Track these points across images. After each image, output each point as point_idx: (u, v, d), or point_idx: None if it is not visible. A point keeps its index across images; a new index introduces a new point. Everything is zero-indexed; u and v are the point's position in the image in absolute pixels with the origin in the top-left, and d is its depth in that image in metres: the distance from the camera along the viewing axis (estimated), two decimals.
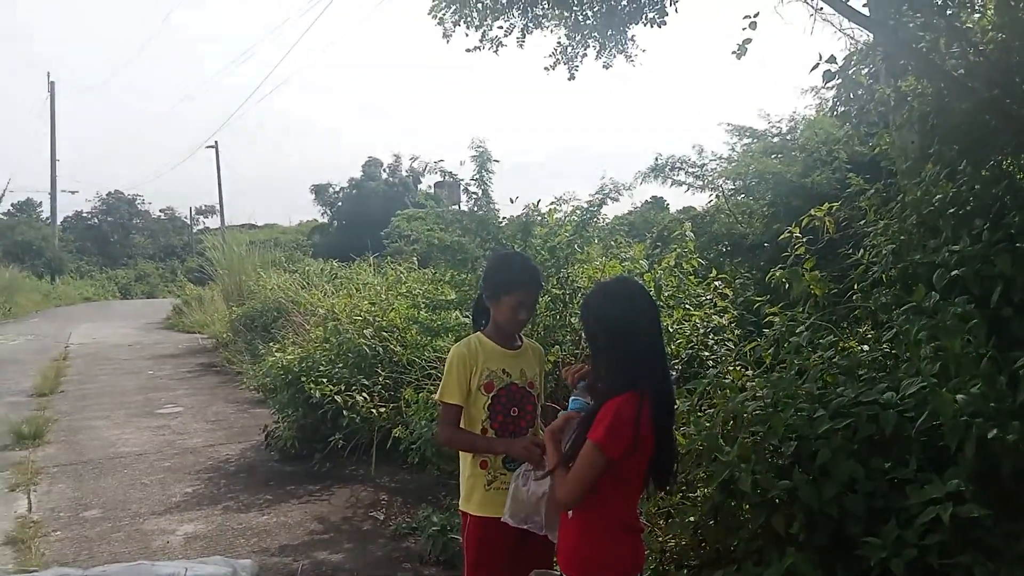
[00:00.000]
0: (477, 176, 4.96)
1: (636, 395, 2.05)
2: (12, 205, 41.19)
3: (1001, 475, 2.34)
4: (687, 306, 5.40)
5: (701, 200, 8.28)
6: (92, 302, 29.79)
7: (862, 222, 4.45)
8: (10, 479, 5.85)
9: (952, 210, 3.56)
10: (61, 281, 31.08)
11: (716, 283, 5.35)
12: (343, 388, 6.03)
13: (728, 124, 7.75)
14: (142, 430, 7.60)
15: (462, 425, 2.69)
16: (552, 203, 5.45)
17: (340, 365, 6.39)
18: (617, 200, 5.08)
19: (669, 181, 7.25)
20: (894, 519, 2.31)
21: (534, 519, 2.51)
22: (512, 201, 5.16)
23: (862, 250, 4.08)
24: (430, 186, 31.07)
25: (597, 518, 2.15)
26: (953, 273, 3.28)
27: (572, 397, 2.30)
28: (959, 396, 2.23)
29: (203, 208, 46.98)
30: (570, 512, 2.24)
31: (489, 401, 2.64)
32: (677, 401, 3.34)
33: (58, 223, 38.43)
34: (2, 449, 6.77)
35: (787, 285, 4.21)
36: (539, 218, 5.07)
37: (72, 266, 35.40)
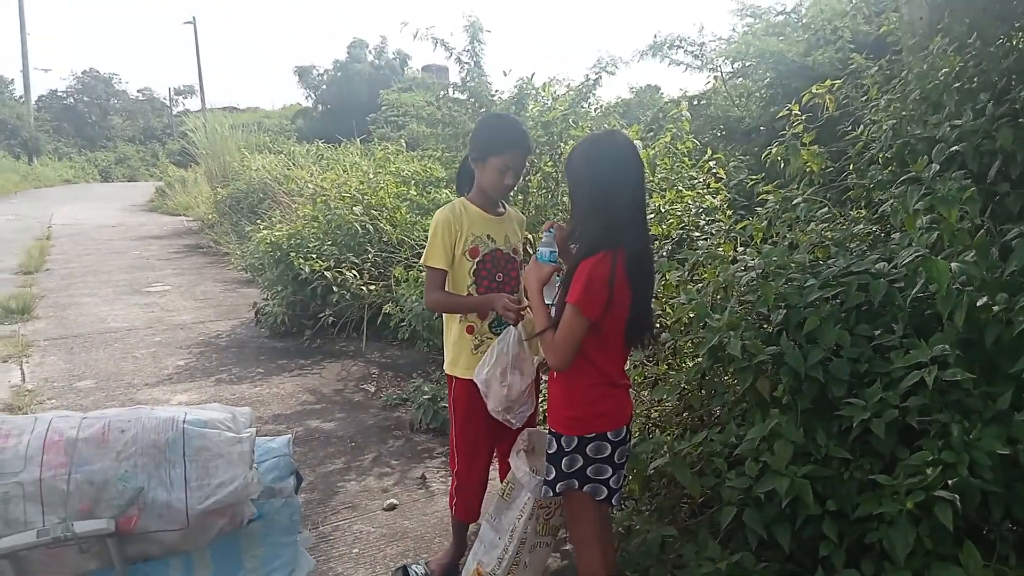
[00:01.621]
0: (469, 47, 4.77)
1: (609, 254, 2.04)
2: None
3: (984, 343, 2.39)
4: (680, 188, 5.35)
5: (698, 84, 8.09)
6: (72, 184, 29.25)
7: (864, 98, 4.36)
8: (2, 351, 5.89)
9: (957, 85, 3.48)
10: (39, 162, 30.41)
11: (710, 164, 5.28)
12: (333, 265, 6.03)
13: (739, 2, 7.45)
14: (131, 307, 7.62)
15: (448, 288, 2.70)
16: (548, 80, 5.28)
17: (329, 243, 6.36)
18: (614, 74, 4.93)
19: (667, 60, 7.01)
20: (879, 382, 2.36)
21: (518, 411, 2.57)
22: (505, 74, 5.04)
23: (861, 126, 4.01)
24: (418, 70, 30.14)
25: (581, 375, 2.19)
26: (953, 148, 3.25)
27: (540, 244, 2.27)
28: (953, 265, 2.24)
29: (182, 88, 45.68)
30: (555, 371, 2.27)
31: (474, 266, 2.64)
32: (668, 274, 3.37)
33: (32, 102, 37.21)
34: None
35: (782, 164, 4.18)
36: (533, 92, 4.92)
37: (50, 147, 34.57)
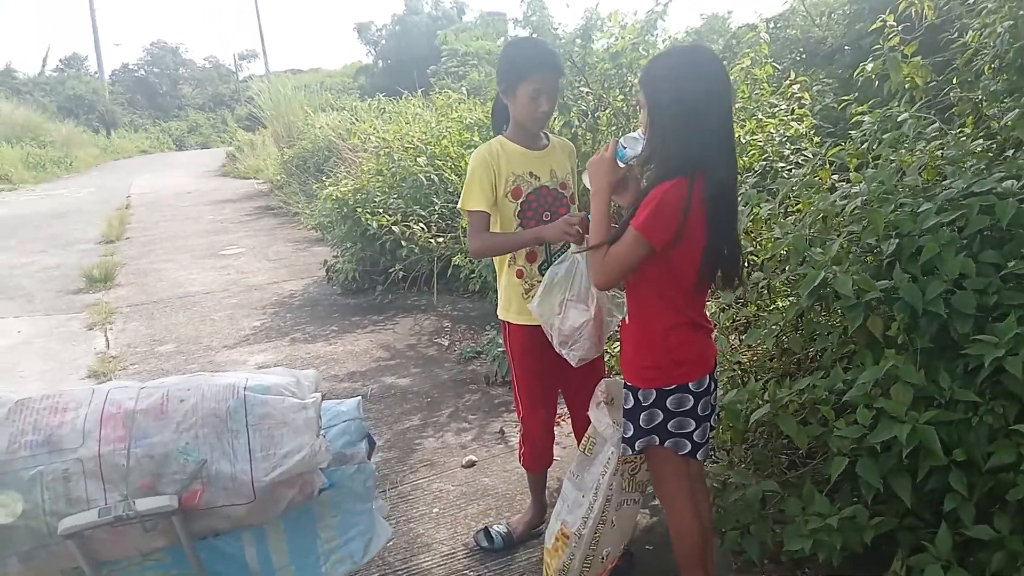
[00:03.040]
0: None
1: (686, 180, 1.81)
2: (60, 60, 41.07)
3: None
4: (759, 116, 4.98)
5: (774, 7, 7.54)
6: (148, 154, 30.11)
7: (971, 1, 3.89)
8: (87, 319, 6.03)
9: None
10: (116, 135, 31.34)
11: (793, 88, 4.88)
12: (400, 219, 5.91)
13: None
14: (207, 271, 7.72)
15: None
16: (614, 10, 4.94)
17: (395, 196, 6.24)
18: None
19: None
20: (1012, 316, 2.07)
21: (572, 347, 2.35)
22: (568, 5, 4.68)
23: (970, 32, 3.57)
24: (475, 17, 29.59)
25: (657, 317, 1.99)
26: None
27: (623, 138, 2.02)
28: None
29: (246, 53, 46.18)
30: (627, 317, 2.07)
31: (518, 208, 2.44)
32: (757, 207, 3.09)
33: (106, 77, 38.32)
34: (77, 292, 6.97)
35: (877, 82, 3.78)
36: (599, 22, 4.61)
37: (125, 119, 35.55)
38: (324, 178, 8.84)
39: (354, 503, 1.94)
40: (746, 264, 2.89)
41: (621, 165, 2.03)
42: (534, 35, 4.65)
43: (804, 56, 6.90)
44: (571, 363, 2.35)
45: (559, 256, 2.37)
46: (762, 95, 5.20)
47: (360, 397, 2.17)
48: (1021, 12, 3.31)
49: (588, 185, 2.08)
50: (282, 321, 5.77)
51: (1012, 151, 2.93)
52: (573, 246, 2.29)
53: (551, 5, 4.91)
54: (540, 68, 2.32)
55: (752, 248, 3.04)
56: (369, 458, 2.05)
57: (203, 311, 6.18)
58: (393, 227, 5.79)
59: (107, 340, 5.52)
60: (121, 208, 12.73)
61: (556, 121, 4.74)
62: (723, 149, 1.89)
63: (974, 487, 2.07)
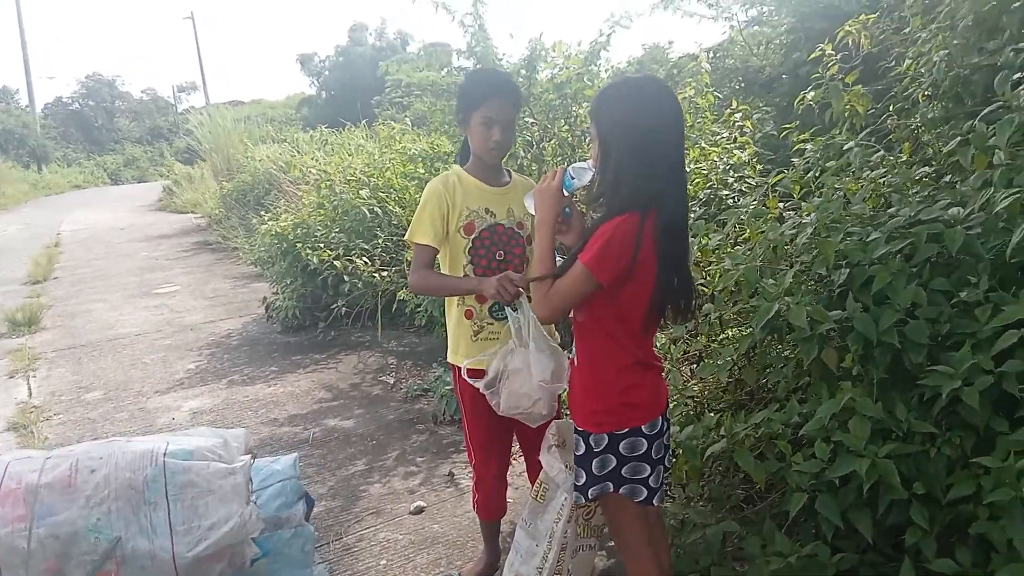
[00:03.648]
0: (472, 8, 4.43)
1: (637, 216, 1.74)
2: None
3: None
4: (703, 144, 5.00)
5: (713, 36, 7.69)
6: (82, 189, 29.22)
7: (905, 32, 3.97)
8: (8, 366, 5.69)
9: (1018, 3, 3.10)
10: (48, 170, 30.35)
11: (735, 116, 4.91)
12: (342, 253, 5.74)
13: None
14: (139, 310, 7.40)
15: (445, 272, 2.41)
16: (557, 41, 4.92)
17: (337, 230, 6.08)
18: (628, 28, 4.56)
19: (680, 12, 6.60)
20: (968, 345, 2.04)
21: (525, 411, 2.27)
22: (512, 36, 4.65)
23: (908, 61, 3.63)
24: (420, 48, 29.69)
25: (607, 358, 1.90)
26: (1018, 75, 2.88)
27: (570, 168, 1.95)
28: None
29: (185, 85, 45.50)
30: (576, 359, 1.98)
31: (470, 244, 2.34)
32: (705, 238, 3.05)
33: (38, 110, 37.14)
34: None
35: (817, 110, 3.81)
36: (543, 53, 4.57)
37: (58, 154, 34.54)
38: (264, 212, 8.60)
39: (292, 570, 1.78)
40: (697, 296, 2.84)
41: (567, 194, 1.95)
42: (478, 66, 4.59)
43: (743, 85, 7.01)
44: (530, 425, 2.29)
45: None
46: (704, 124, 5.23)
47: (296, 454, 2.02)
48: (955, 42, 3.38)
49: (531, 211, 2.00)
50: (219, 363, 5.52)
51: (949, 176, 2.96)
52: (508, 309, 2.21)
53: (495, 35, 4.87)
54: (491, 96, 2.24)
55: (702, 279, 2.99)
56: (307, 519, 1.90)
57: (134, 354, 5.89)
58: (335, 262, 5.62)
59: (29, 388, 5.19)
60: (50, 246, 12.23)
61: None
62: (676, 182, 1.83)
63: (934, 520, 2.03)
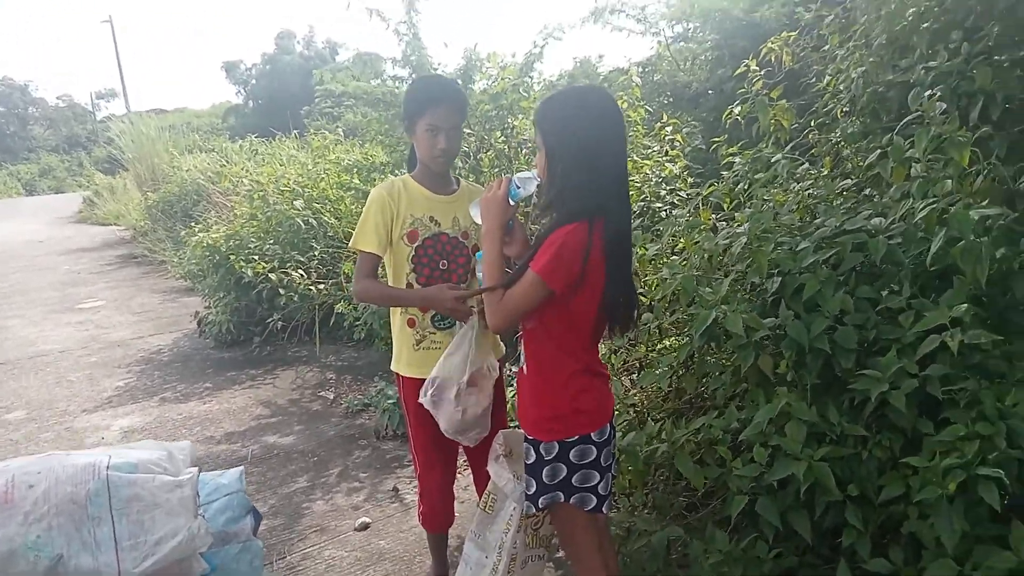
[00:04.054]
0: (406, 17, 4.43)
1: (586, 223, 1.78)
2: None
3: (995, 299, 2.21)
4: (635, 157, 5.11)
5: (642, 51, 7.89)
6: None
7: (824, 49, 4.16)
8: None
9: (926, 24, 3.29)
10: None
11: (666, 130, 5.04)
12: (277, 266, 5.64)
13: None
14: (62, 326, 7.11)
15: (389, 280, 2.41)
16: (491, 52, 4.97)
17: (271, 242, 5.97)
18: (561, 39, 4.64)
19: (609, 27, 6.76)
20: (892, 350, 2.15)
21: (469, 434, 2.31)
22: (446, 45, 4.66)
23: (828, 77, 3.81)
24: (349, 57, 29.41)
25: (556, 366, 1.93)
26: (928, 92, 3.05)
27: (515, 176, 1.99)
28: (972, 213, 2.02)
29: (104, 92, 43.88)
30: (525, 367, 2.01)
31: (412, 252, 2.34)
32: (643, 248, 3.12)
33: None
34: None
35: (743, 124, 3.95)
36: (479, 63, 4.61)
37: None
38: (193, 223, 8.38)
39: None
40: (638, 305, 2.91)
41: (512, 204, 1.98)
42: (413, 75, 4.59)
43: (671, 100, 7.20)
44: (469, 446, 2.31)
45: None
46: (636, 137, 5.35)
47: (242, 468, 1.98)
48: (871, 59, 3.56)
49: (476, 220, 2.02)
50: (149, 380, 5.35)
51: (869, 189, 3.11)
52: (462, 324, 2.25)
53: (429, 45, 4.88)
54: (437, 103, 2.24)
55: (640, 289, 3.06)
56: (255, 534, 1.87)
57: (58, 372, 5.65)
58: (270, 274, 5.51)
59: None
60: None
61: None
62: (621, 191, 1.88)
63: (868, 521, 2.12)
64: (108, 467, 1.57)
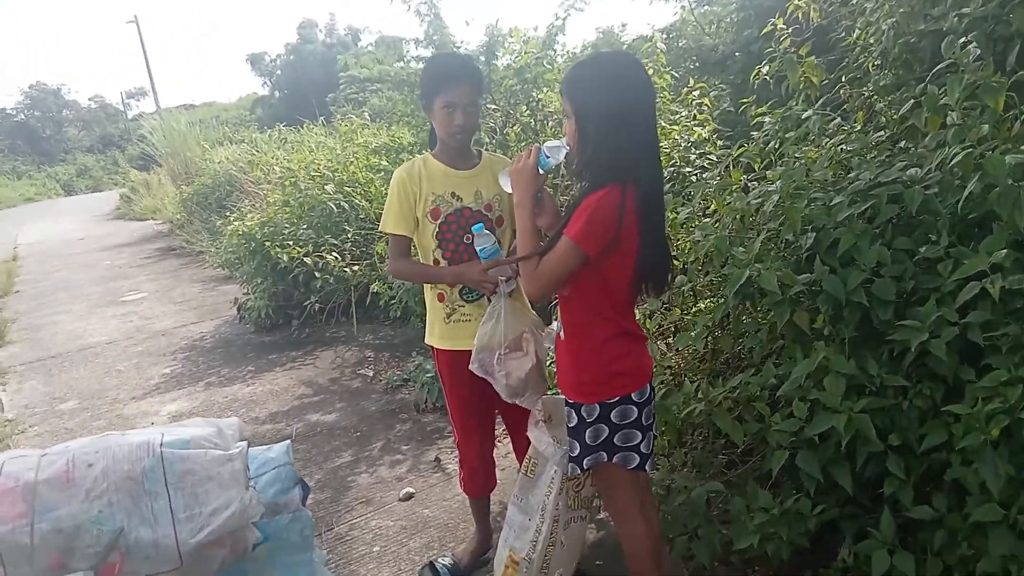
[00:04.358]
0: None
1: (619, 187, 1.79)
2: None
3: None
4: (663, 123, 5.07)
5: (665, 17, 7.78)
6: (35, 202, 28.51)
7: (853, 2, 4.08)
8: None
9: None
10: None
11: (693, 94, 4.99)
12: (311, 250, 5.72)
13: None
14: (107, 319, 7.30)
15: (420, 257, 2.45)
16: (514, 26, 4.95)
17: (305, 226, 6.04)
18: (583, 10, 4.61)
19: None
20: (931, 300, 2.13)
21: (524, 396, 2.34)
22: (468, 23, 4.66)
23: (857, 31, 3.74)
24: (371, 43, 29.45)
25: (594, 330, 1.95)
26: (963, 40, 2.98)
27: (544, 146, 1.99)
28: (1009, 158, 1.99)
29: (134, 91, 44.54)
30: (562, 332, 2.04)
31: (436, 229, 2.37)
32: (674, 211, 3.11)
33: None
34: None
35: (772, 84, 3.90)
36: (501, 39, 4.60)
37: (6, 167, 33.64)
38: (228, 213, 8.52)
39: (292, 555, 1.81)
40: (673, 268, 2.91)
41: (542, 173, 1.99)
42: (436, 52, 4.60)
43: (697, 64, 7.10)
44: (529, 408, 2.34)
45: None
46: (663, 103, 5.30)
47: (289, 441, 2.04)
48: (901, 10, 3.49)
49: (507, 189, 2.04)
50: (194, 366, 5.48)
51: (904, 142, 3.05)
52: (493, 298, 2.28)
53: (451, 23, 4.88)
54: (452, 81, 2.25)
55: (674, 252, 3.06)
56: (304, 504, 1.93)
57: (106, 362, 5.82)
58: (305, 259, 5.60)
59: (1, 403, 5.11)
60: (8, 260, 11.94)
61: None
62: (652, 155, 1.88)
63: (910, 470, 2.11)
64: (162, 444, 1.62)
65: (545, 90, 4.80)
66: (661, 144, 4.76)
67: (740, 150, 3.53)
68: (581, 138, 1.85)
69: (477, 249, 2.28)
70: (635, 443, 2.02)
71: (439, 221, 2.37)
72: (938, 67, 2.83)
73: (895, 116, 3.15)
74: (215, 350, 5.84)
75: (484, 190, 2.40)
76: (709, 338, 2.85)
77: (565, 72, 1.95)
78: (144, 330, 6.72)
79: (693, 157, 4.73)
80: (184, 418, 4.42)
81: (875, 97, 3.51)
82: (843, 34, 4.08)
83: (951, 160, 2.22)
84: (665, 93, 5.38)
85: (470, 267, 2.32)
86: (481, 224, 2.28)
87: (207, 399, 4.73)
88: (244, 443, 1.71)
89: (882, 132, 3.22)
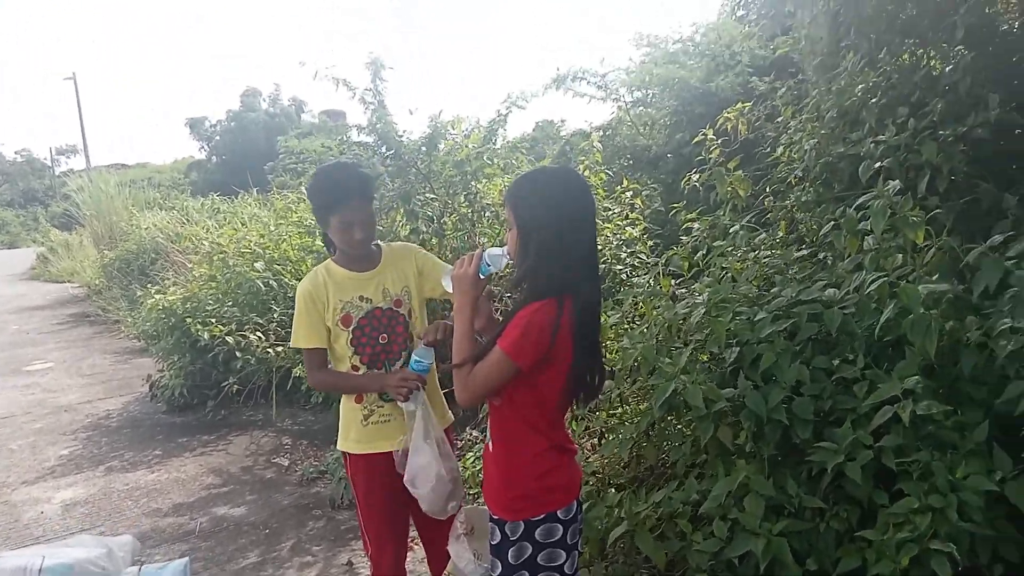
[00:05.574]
0: (372, 85, 4.48)
1: (555, 301, 1.78)
2: None
3: (947, 370, 2.24)
4: (596, 220, 5.18)
5: (602, 116, 8.09)
6: None
7: (778, 120, 4.30)
8: None
9: (874, 100, 3.42)
10: None
11: (626, 194, 5.13)
12: (234, 328, 5.52)
13: (636, 34, 7.47)
14: (7, 390, 6.86)
15: (332, 364, 2.38)
16: (455, 117, 5.03)
17: (229, 303, 5.86)
18: (524, 108, 4.72)
19: (571, 93, 6.93)
20: (847, 421, 2.16)
21: (448, 506, 2.28)
22: (411, 113, 4.72)
23: (781, 148, 3.92)
24: (314, 115, 29.66)
25: (524, 444, 1.90)
26: (878, 164, 3.15)
27: (487, 251, 1.98)
28: (922, 288, 2.07)
29: (65, 148, 43.46)
30: (491, 444, 1.98)
31: (350, 336, 2.31)
32: (608, 314, 3.13)
33: None
34: None
35: (701, 191, 4.04)
36: (443, 131, 4.65)
37: None
38: (149, 283, 8.23)
39: None
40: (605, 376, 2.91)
41: (482, 279, 1.98)
42: (378, 143, 4.62)
43: (631, 162, 7.36)
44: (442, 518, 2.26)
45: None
46: (598, 200, 5.42)
47: (187, 560, 1.89)
48: (822, 131, 3.68)
49: (449, 290, 2.01)
50: (96, 447, 5.15)
51: (824, 255, 3.17)
52: (406, 404, 2.23)
53: (395, 112, 4.92)
54: (344, 199, 2.21)
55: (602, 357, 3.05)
56: None
57: None
58: (227, 337, 5.39)
59: None
60: None
61: (404, 227, 4.68)
62: (591, 269, 1.88)
63: None
64: (40, 570, 1.47)
65: (484, 181, 4.86)
66: None
67: (670, 254, 3.61)
68: (523, 250, 1.84)
69: (413, 358, 2.24)
70: (559, 563, 1.95)
71: (351, 328, 2.31)
72: (858, 192, 2.96)
73: (815, 228, 3.29)
74: (121, 430, 5.52)
75: (390, 286, 2.36)
76: (634, 446, 2.83)
77: (510, 184, 1.95)
78: (46, 404, 6.32)
79: (624, 255, 4.83)
80: (79, 507, 4.11)
81: (796, 210, 3.66)
82: (768, 148, 4.28)
83: (868, 285, 2.29)
84: (599, 191, 5.52)
85: (387, 376, 2.28)
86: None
87: (106, 486, 4.42)
88: (135, 568, 1.57)
89: (803, 245, 3.34)
